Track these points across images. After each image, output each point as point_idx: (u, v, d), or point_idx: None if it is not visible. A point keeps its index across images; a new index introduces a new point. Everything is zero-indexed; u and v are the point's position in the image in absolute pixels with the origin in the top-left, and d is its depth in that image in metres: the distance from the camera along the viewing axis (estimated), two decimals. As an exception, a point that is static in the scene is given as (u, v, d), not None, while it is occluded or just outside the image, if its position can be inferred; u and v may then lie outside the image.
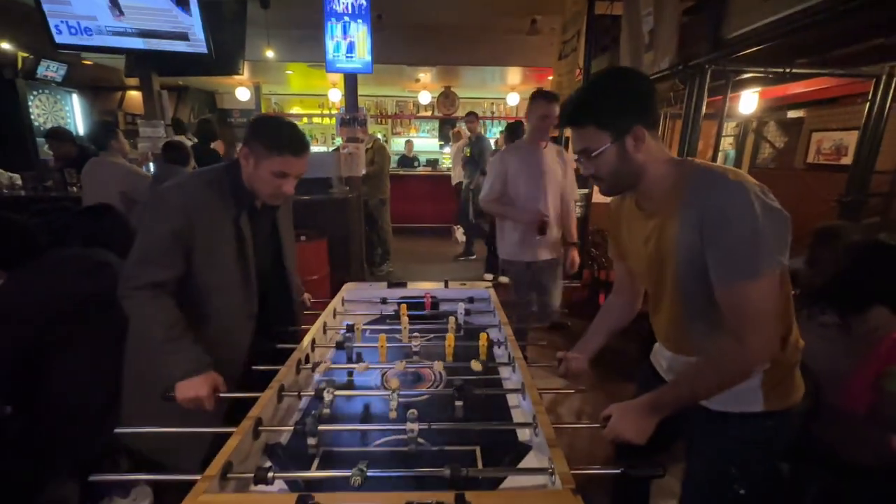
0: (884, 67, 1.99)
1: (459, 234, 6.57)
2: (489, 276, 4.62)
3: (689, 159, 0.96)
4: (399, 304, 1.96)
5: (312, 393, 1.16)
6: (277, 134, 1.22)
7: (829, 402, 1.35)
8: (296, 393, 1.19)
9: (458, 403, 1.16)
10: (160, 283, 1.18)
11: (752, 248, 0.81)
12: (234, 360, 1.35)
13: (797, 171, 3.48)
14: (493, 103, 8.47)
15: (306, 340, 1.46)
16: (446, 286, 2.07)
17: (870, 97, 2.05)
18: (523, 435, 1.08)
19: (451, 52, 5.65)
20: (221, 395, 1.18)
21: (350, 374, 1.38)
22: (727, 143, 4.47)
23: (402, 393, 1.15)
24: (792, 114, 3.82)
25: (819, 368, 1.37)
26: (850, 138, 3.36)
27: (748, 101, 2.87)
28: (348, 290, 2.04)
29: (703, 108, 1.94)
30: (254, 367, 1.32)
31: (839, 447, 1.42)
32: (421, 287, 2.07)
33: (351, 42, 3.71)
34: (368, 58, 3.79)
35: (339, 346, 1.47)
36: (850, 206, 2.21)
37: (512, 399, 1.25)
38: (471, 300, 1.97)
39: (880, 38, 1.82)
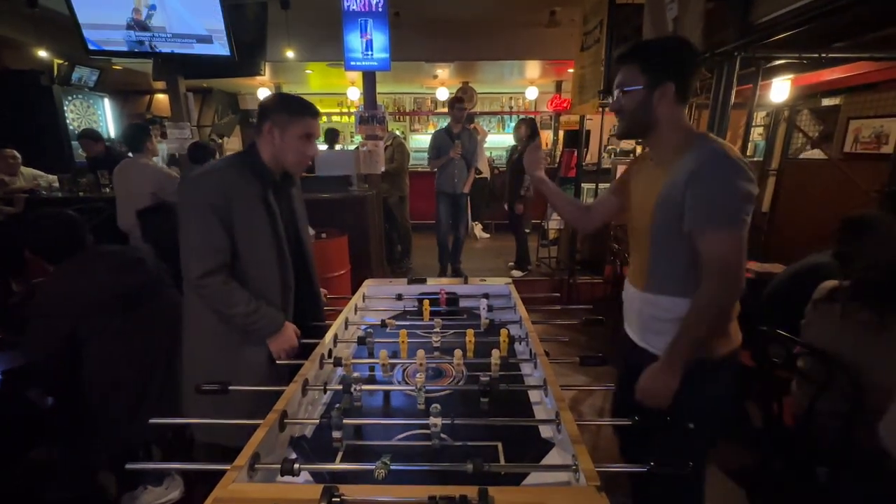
0: (929, 49, 1.88)
1: (479, 230, 6.54)
2: (517, 273, 4.56)
3: (709, 134, 1.10)
4: (419, 300, 1.97)
5: (339, 387, 1.18)
6: (295, 102, 1.36)
7: (872, 405, 1.28)
8: (321, 387, 1.21)
9: (484, 399, 1.17)
10: (225, 263, 1.28)
11: (724, 203, 0.97)
12: None
13: (833, 160, 3.32)
14: (511, 98, 8.39)
15: (329, 335, 1.49)
16: (466, 282, 2.07)
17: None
18: (546, 432, 1.07)
19: (468, 47, 5.61)
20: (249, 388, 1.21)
21: (371, 368, 1.40)
22: (757, 134, 4.29)
23: (426, 389, 1.16)
24: (827, 101, 3.65)
25: (860, 369, 1.31)
26: (892, 125, 3.18)
27: (779, 90, 2.75)
28: (369, 286, 2.07)
29: (732, 97, 1.87)
30: (278, 362, 1.36)
31: (885, 452, 1.35)
32: (441, 283, 2.08)
33: (369, 40, 3.73)
34: (386, 55, 3.81)
35: (361, 341, 1.49)
36: (894, 197, 2.10)
37: (534, 395, 1.24)
38: (491, 296, 1.96)
39: None
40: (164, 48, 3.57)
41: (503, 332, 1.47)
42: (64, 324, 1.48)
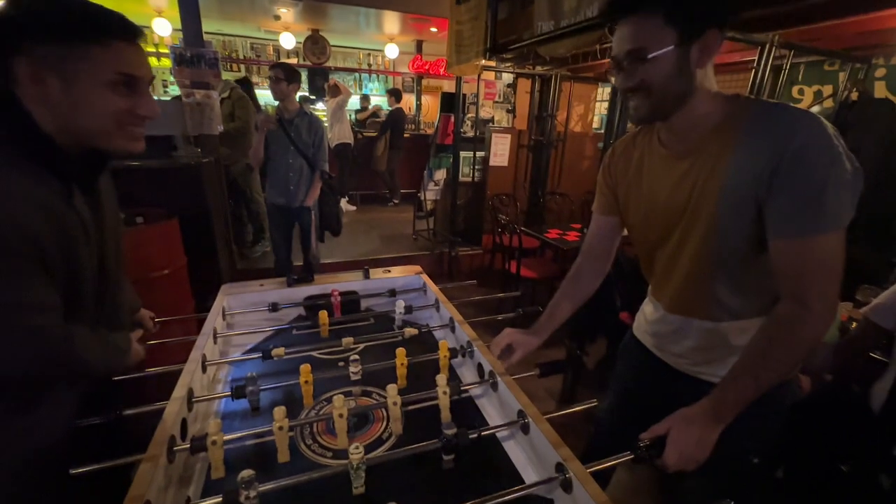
0: (768, 35, 2.13)
1: (344, 203, 5.93)
2: None
3: (743, 95, 0.80)
4: (307, 307, 1.48)
5: (219, 499, 0.68)
6: (78, 11, 0.67)
7: None
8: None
9: (447, 457, 0.82)
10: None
11: (832, 197, 0.68)
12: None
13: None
14: (370, 54, 7.63)
15: (177, 394, 0.92)
16: (367, 276, 1.63)
17: (755, 63, 2.18)
18: (544, 490, 0.79)
19: (318, -16, 4.74)
20: None
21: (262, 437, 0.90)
22: (603, 108, 4.71)
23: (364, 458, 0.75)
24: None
25: None
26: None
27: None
28: (229, 295, 1.46)
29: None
30: (73, 472, 0.75)
31: None
32: (335, 281, 1.59)
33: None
34: (213, -28, 2.84)
35: (238, 394, 0.96)
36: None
37: (508, 443, 0.95)
38: (402, 292, 1.58)
39: (772, 7, 1.90)
40: None
41: (443, 344, 1.13)
42: None
